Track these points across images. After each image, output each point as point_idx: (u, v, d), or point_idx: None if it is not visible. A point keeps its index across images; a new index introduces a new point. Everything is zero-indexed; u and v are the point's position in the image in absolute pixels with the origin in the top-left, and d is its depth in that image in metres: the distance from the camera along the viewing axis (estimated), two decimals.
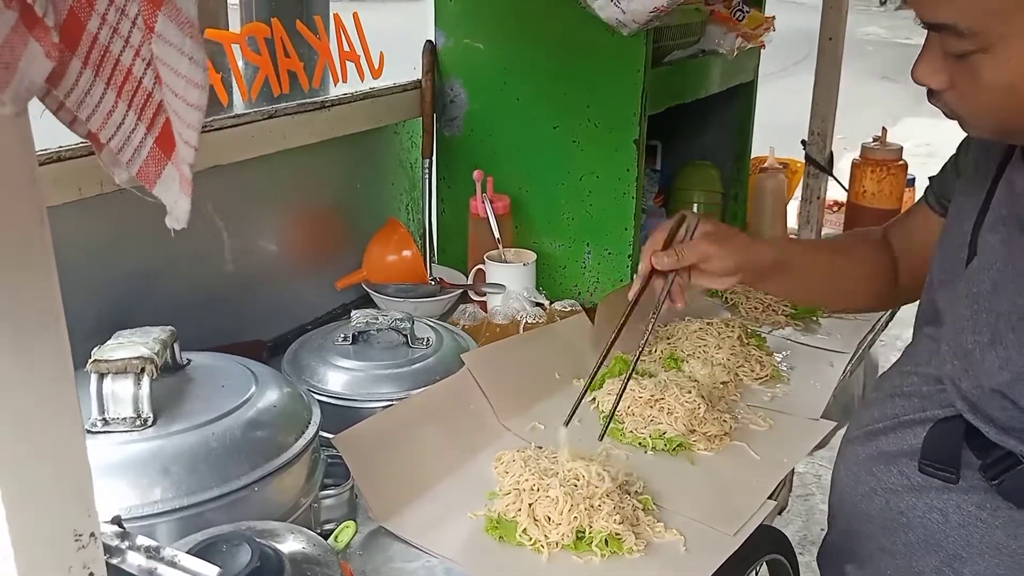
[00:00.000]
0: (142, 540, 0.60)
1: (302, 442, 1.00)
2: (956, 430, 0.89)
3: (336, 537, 0.87)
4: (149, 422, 0.93)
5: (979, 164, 0.99)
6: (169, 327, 1.04)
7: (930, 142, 7.11)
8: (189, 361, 1.09)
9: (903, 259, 1.23)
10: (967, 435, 0.89)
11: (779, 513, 2.00)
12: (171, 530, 0.88)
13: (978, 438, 0.88)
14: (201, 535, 0.76)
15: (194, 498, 0.89)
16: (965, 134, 0.98)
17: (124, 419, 0.93)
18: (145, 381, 0.93)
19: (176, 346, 1.06)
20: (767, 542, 1.30)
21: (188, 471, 0.90)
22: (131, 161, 0.52)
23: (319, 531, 1.03)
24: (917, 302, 1.11)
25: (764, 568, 1.40)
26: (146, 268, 1.30)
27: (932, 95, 0.87)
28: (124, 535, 0.60)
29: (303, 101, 1.48)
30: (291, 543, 0.76)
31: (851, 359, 1.58)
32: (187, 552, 0.68)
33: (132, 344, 0.97)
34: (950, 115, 0.88)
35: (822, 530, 2.97)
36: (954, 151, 1.11)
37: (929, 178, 1.17)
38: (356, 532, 0.88)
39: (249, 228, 1.53)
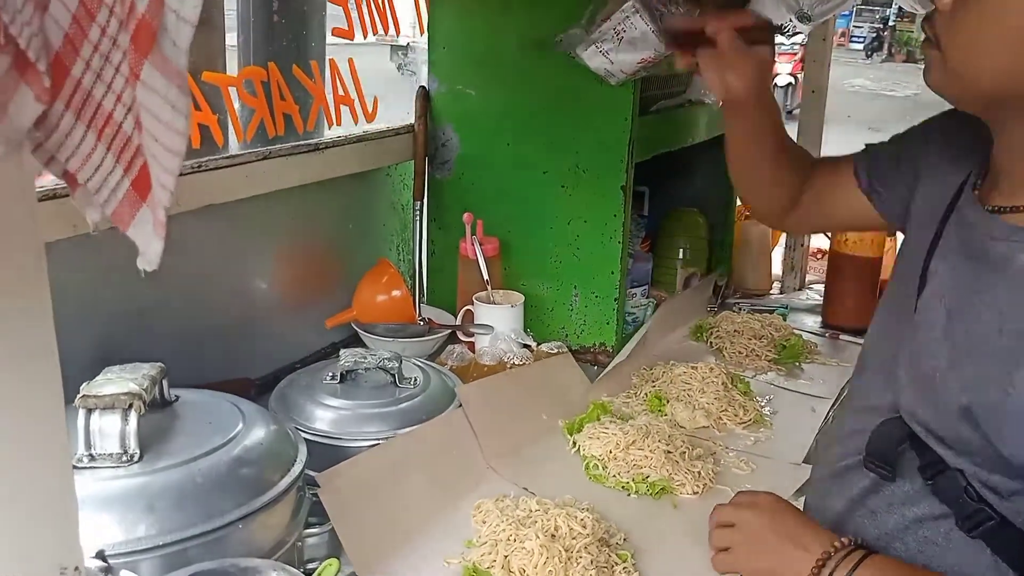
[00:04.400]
0: (126, 575, 0.61)
1: (287, 480, 1.01)
2: (897, 430, 0.93)
3: (319, 575, 0.87)
4: (135, 458, 0.94)
5: (932, 200, 1.01)
6: (159, 363, 1.05)
7: None
8: (177, 398, 1.09)
9: (809, 203, 1.23)
10: (911, 439, 0.92)
11: None
12: (155, 566, 0.88)
13: (916, 440, 0.91)
14: (184, 572, 0.76)
15: (178, 535, 0.89)
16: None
17: (110, 455, 0.93)
18: (132, 417, 0.94)
19: (165, 382, 1.07)
20: None
21: (173, 508, 0.91)
22: (107, 202, 0.53)
23: (302, 570, 1.03)
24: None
25: None
26: (138, 304, 1.31)
27: (928, 43, 0.86)
28: (108, 570, 0.61)
29: (297, 143, 1.51)
30: None
31: (833, 404, 1.60)
32: None
33: (121, 380, 0.98)
34: (935, 74, 0.87)
35: None
36: (893, 139, 1.12)
37: (867, 145, 1.16)
38: (339, 570, 0.89)
39: (242, 267, 1.54)
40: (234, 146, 1.42)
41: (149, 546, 0.88)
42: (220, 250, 1.47)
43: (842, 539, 0.92)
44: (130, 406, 0.94)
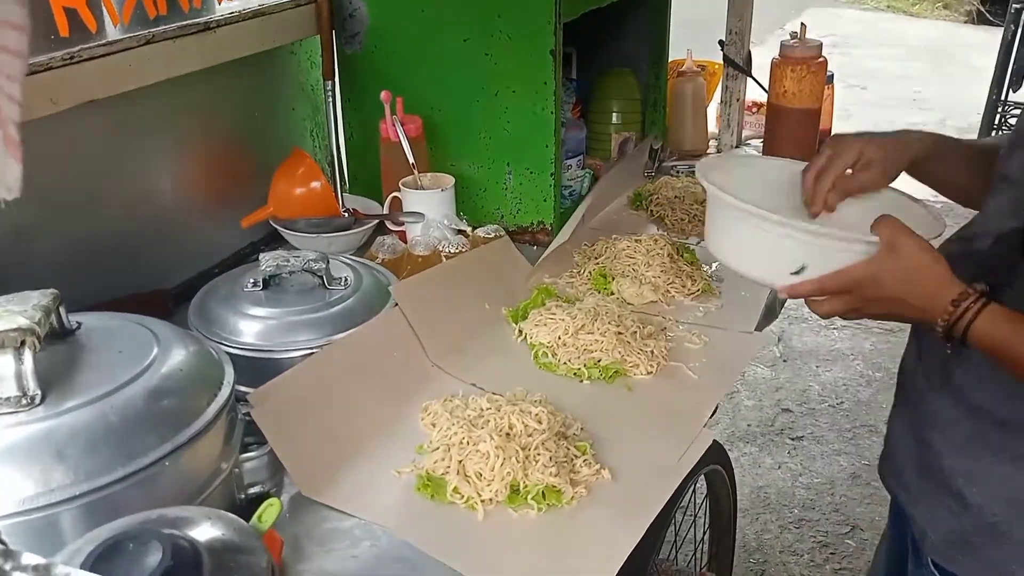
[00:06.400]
0: (28, 558, 0.52)
1: (215, 406, 0.92)
2: (1013, 240, 0.98)
3: (260, 517, 0.80)
4: (37, 400, 0.83)
5: None
6: (51, 290, 0.92)
7: (835, 32, 7.16)
8: (79, 325, 0.98)
9: None
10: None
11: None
12: (78, 517, 0.80)
13: None
14: (105, 531, 0.68)
15: (96, 481, 0.80)
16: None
17: (8, 399, 0.83)
18: (27, 355, 0.83)
19: (62, 310, 0.95)
20: (706, 456, 1.29)
21: (86, 452, 0.81)
22: None
23: (243, 496, 0.96)
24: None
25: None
26: (17, 225, 1.16)
27: None
28: (7, 554, 0.52)
29: (184, 23, 1.33)
30: (208, 530, 0.68)
31: None
32: (90, 555, 0.60)
33: (8, 314, 0.86)
34: None
35: (748, 425, 3.05)
36: None
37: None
38: (281, 510, 0.81)
39: (138, 168, 1.39)
40: (111, 32, 1.25)
41: (65, 497, 0.79)
42: (109, 151, 1.32)
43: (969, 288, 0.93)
44: (22, 343, 0.83)
